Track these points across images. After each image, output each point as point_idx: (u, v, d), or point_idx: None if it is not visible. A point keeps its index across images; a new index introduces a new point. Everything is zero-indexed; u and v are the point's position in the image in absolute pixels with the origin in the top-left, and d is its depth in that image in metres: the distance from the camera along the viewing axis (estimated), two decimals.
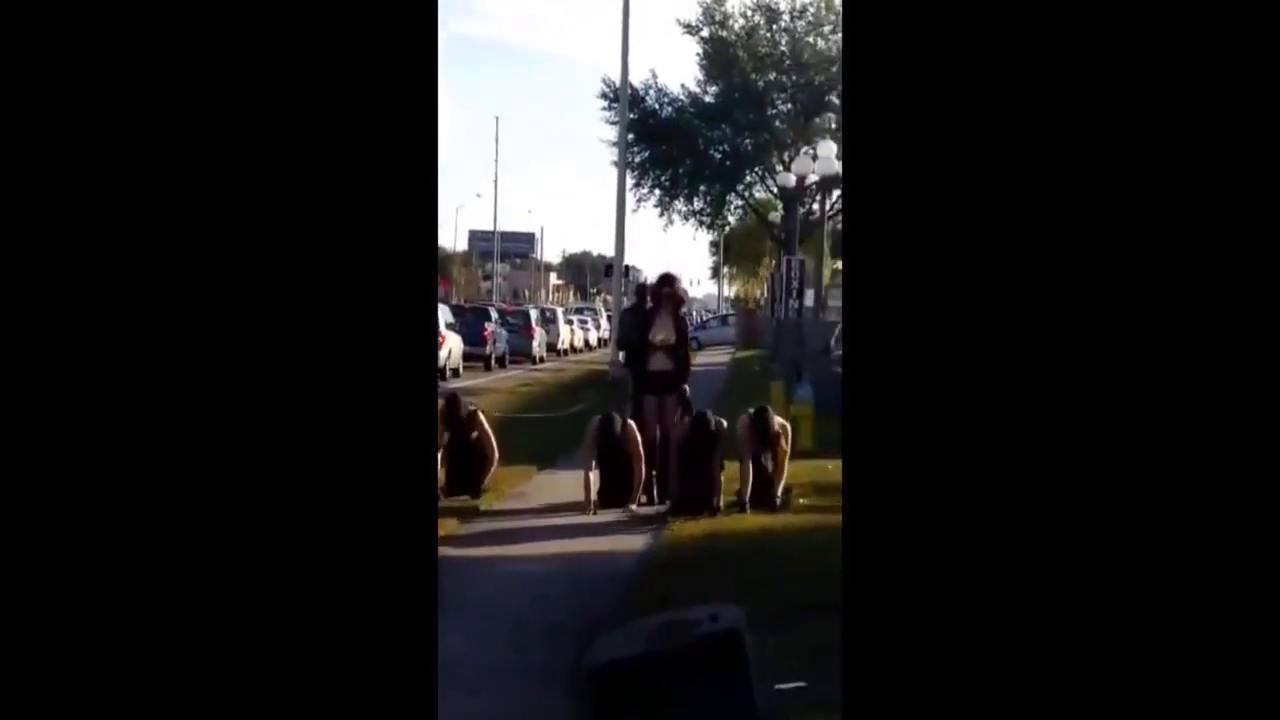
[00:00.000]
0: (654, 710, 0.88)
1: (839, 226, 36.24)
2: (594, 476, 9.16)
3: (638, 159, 37.18)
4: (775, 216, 42.14)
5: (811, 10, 37.76)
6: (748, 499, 9.06)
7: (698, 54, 38.57)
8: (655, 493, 9.55)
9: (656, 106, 38.65)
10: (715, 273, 66.95)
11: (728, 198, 40.54)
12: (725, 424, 9.41)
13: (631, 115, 31.20)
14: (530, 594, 6.71)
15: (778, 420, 9.48)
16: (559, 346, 36.93)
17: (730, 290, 75.64)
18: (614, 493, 9.25)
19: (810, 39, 37.70)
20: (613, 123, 34.60)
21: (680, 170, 38.67)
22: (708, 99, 38.57)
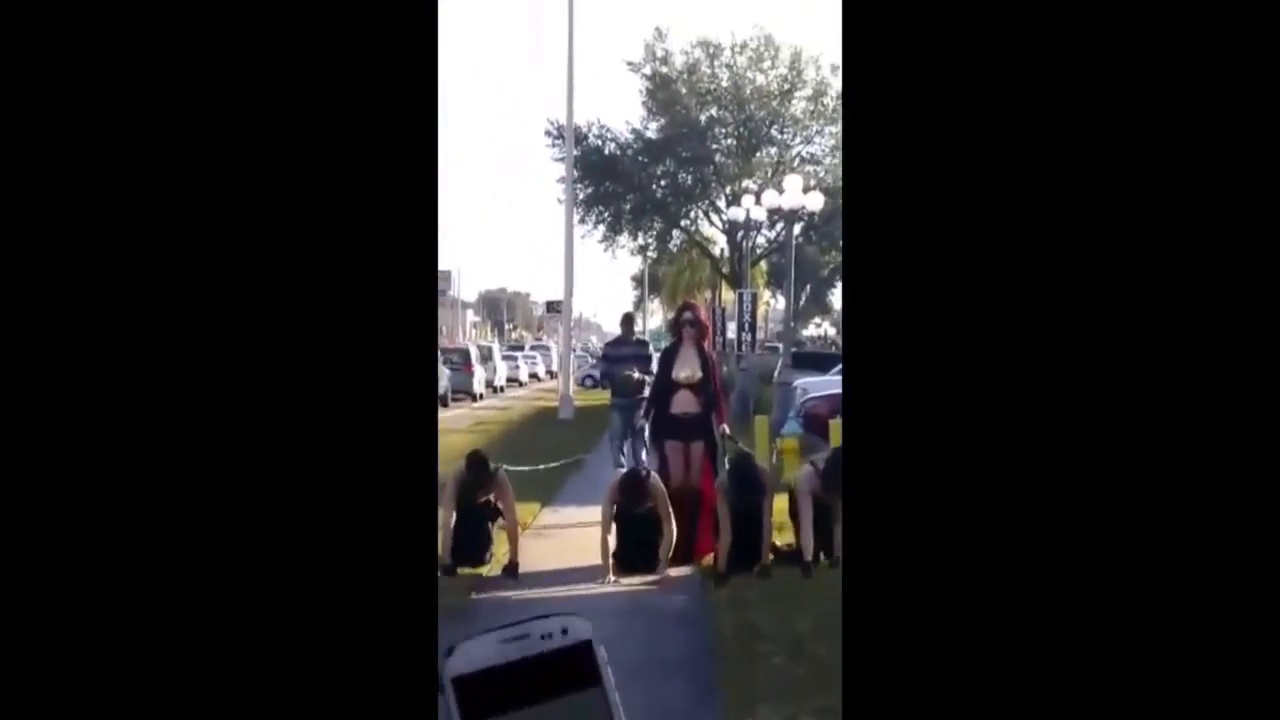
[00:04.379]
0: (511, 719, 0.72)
1: (778, 260, 36.74)
2: (611, 539, 8.38)
3: (581, 196, 36.88)
4: (716, 250, 42.11)
5: (752, 46, 37.88)
6: (811, 559, 7.98)
7: (640, 91, 38.51)
8: (688, 553, 8.56)
9: (600, 143, 38.48)
10: (637, 306, 66.87)
11: (672, 232, 40.48)
12: (769, 468, 8.74)
13: (575, 153, 30.96)
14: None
15: None
16: (496, 383, 36.60)
17: (654, 324, 76.00)
18: (635, 557, 8.45)
19: (750, 74, 37.77)
20: (559, 159, 34.48)
21: (625, 205, 38.48)
22: (650, 134, 38.43)
